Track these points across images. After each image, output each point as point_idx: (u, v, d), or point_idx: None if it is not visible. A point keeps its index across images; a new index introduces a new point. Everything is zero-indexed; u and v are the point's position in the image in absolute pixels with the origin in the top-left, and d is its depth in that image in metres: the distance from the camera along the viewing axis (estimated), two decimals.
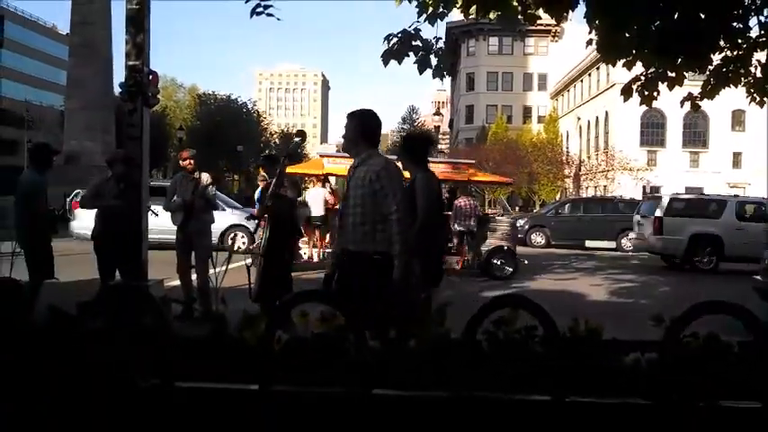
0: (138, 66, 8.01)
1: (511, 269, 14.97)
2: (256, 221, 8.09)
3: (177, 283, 8.69)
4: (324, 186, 16.52)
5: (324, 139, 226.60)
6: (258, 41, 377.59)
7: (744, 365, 1.94)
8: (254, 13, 4.83)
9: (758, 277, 11.49)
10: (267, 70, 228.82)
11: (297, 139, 10.10)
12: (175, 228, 8.67)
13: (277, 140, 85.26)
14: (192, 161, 8.79)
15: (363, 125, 4.72)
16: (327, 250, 15.15)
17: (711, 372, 1.92)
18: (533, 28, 60.09)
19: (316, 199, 15.85)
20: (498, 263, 14.98)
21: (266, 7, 4.65)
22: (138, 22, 8.09)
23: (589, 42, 7.98)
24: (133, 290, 2.88)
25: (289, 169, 18.75)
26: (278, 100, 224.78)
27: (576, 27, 7.86)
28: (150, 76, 8.13)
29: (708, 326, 2.19)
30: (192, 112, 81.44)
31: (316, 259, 15.39)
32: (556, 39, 66.55)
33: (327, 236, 15.61)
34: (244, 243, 17.38)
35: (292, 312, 2.03)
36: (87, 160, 31.70)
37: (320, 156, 18.09)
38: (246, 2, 4.71)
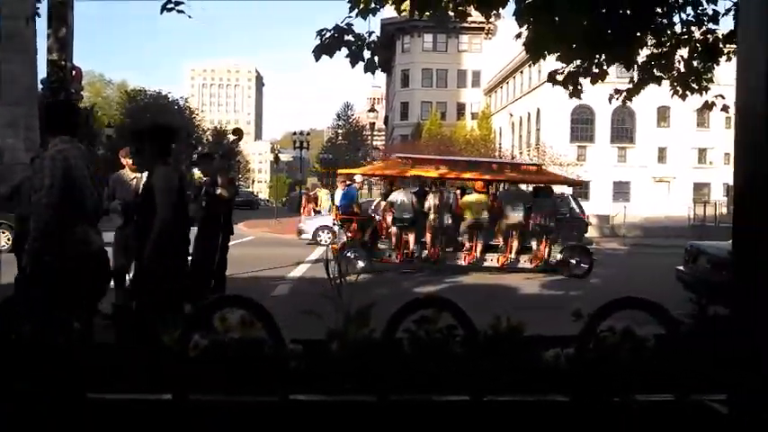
0: (61, 61, 7.72)
1: (586, 266, 14.99)
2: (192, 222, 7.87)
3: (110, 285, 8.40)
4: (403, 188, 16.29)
5: (258, 135, 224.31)
6: (190, 37, 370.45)
7: (658, 359, 1.96)
8: (164, 9, 4.66)
9: (681, 267, 11.89)
10: (200, 66, 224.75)
11: (233, 138, 9.92)
12: None
13: (210, 137, 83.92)
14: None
15: (48, 113, 4.57)
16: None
17: (626, 365, 1.94)
18: (467, 25, 60.75)
19: (404, 201, 15.63)
20: (574, 261, 15.04)
21: (177, 3, 4.49)
22: (61, 17, 7.80)
23: (518, 35, 8.08)
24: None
25: (373, 172, 18.72)
26: (211, 96, 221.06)
27: (509, 24, 7.95)
28: (73, 72, 7.86)
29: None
30: (121, 108, 79.22)
31: (396, 261, 15.17)
32: (489, 36, 67.39)
33: (411, 237, 15.54)
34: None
35: (214, 317, 1.95)
36: (10, 157, 30.57)
37: (398, 158, 18.06)
38: None
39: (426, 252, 15.15)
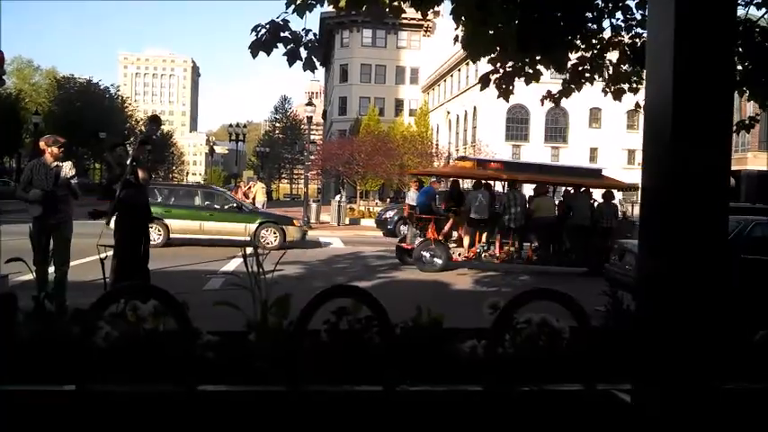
0: None
1: None
2: (108, 213, 7.67)
3: (31, 277, 8.14)
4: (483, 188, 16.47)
5: (194, 127, 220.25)
6: (123, 24, 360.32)
7: (571, 350, 2.03)
8: None
9: (608, 265, 12.31)
10: (133, 54, 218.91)
11: (151, 125, 9.72)
12: None
13: (143, 128, 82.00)
14: (60, 149, 8.31)
15: None
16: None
17: (538, 356, 2.00)
18: (406, 22, 61.16)
19: (482, 201, 15.79)
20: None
21: None
22: None
23: (456, 39, 8.17)
24: None
25: (444, 172, 18.47)
26: (145, 85, 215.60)
27: (448, 23, 8.05)
28: None
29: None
30: (50, 96, 76.62)
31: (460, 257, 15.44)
32: (428, 34, 67.86)
33: (483, 236, 15.76)
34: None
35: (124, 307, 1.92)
36: None
37: (470, 159, 18.34)
38: None
39: (491, 251, 15.53)
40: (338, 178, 48.86)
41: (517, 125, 54.54)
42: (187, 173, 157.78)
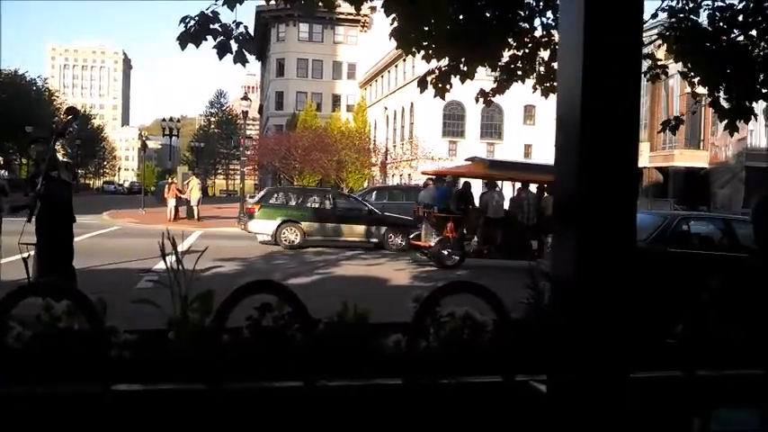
0: None
1: None
2: (30, 210, 7.43)
3: None
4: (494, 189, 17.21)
5: (125, 121, 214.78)
6: (52, 14, 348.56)
7: (492, 342, 2.08)
8: None
9: (542, 260, 12.59)
10: (62, 46, 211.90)
11: (68, 117, 9.42)
12: None
13: (75, 123, 79.49)
14: None
15: None
16: None
17: (458, 349, 2.04)
18: (343, 17, 61.07)
19: (498, 201, 16.44)
20: None
21: None
22: None
23: (391, 34, 8.21)
24: None
25: (458, 172, 18.38)
26: (74, 78, 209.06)
27: (384, 18, 8.06)
28: None
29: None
30: None
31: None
32: (365, 29, 67.87)
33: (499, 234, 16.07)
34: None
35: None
36: None
37: (482, 160, 19.80)
38: None
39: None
40: (275, 174, 48.49)
41: (453, 121, 55.11)
42: (119, 168, 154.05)
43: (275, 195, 21.40)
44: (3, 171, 9.53)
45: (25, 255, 7.07)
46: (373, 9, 8.00)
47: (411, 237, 17.41)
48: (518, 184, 18.04)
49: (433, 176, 19.13)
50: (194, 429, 1.83)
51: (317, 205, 20.08)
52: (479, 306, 2.18)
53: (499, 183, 18.07)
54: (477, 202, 17.29)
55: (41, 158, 7.78)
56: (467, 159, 21.65)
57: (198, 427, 1.83)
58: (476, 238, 16.23)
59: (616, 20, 1.86)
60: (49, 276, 7.37)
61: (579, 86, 1.80)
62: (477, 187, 18.62)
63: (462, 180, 18.63)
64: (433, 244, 15.90)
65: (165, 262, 2.13)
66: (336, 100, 70.99)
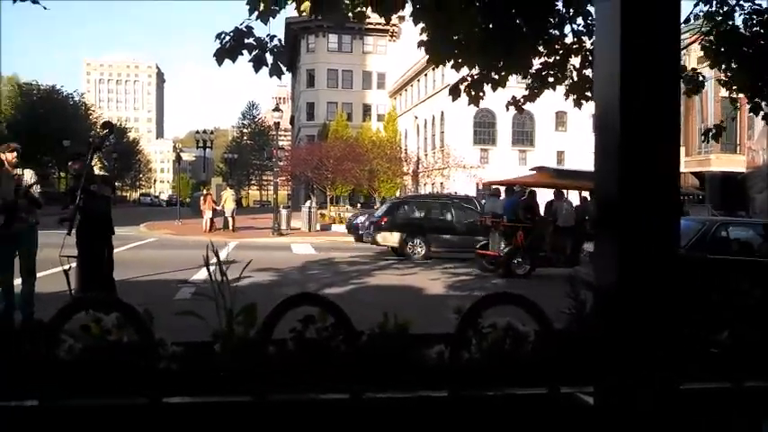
0: None
1: None
2: (68, 223, 7.57)
3: None
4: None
5: (160, 133, 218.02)
6: (87, 30, 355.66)
7: (535, 353, 2.06)
8: None
9: (579, 268, 12.46)
10: (96, 60, 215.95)
11: (104, 132, 9.58)
12: None
13: (111, 137, 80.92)
14: (17, 154, 8.16)
15: None
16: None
17: (502, 360, 2.02)
18: (371, 27, 61.26)
19: (568, 210, 16.66)
20: None
21: None
22: None
23: (421, 44, 8.22)
24: None
25: (526, 182, 18.73)
26: (109, 92, 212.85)
27: (413, 28, 8.08)
28: None
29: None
30: (11, 103, 75.27)
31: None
32: (394, 38, 68.00)
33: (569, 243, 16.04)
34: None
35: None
36: None
37: (549, 170, 19.89)
38: None
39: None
40: (308, 184, 48.71)
41: (484, 129, 54.87)
42: (155, 180, 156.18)
43: (401, 208, 21.77)
44: (37, 185, 9.77)
45: (66, 267, 7.21)
46: (401, 19, 8.02)
47: (477, 246, 17.39)
48: (585, 193, 17.96)
49: (499, 186, 19.22)
50: None
51: (440, 217, 20.45)
52: (521, 317, 2.17)
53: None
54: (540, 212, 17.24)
55: (80, 173, 7.93)
56: (531, 169, 21.71)
57: None
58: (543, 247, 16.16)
59: (653, 22, 1.84)
60: (89, 288, 7.52)
61: (617, 91, 1.78)
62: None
63: (521, 189, 18.60)
64: (500, 253, 15.89)
65: (210, 274, 2.15)
66: (367, 109, 71.15)
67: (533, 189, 18.19)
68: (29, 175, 8.23)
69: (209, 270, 2.17)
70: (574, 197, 18.51)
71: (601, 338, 1.89)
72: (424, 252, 19.38)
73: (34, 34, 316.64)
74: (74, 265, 7.51)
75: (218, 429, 1.81)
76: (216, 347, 1.94)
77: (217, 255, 2.20)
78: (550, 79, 8.95)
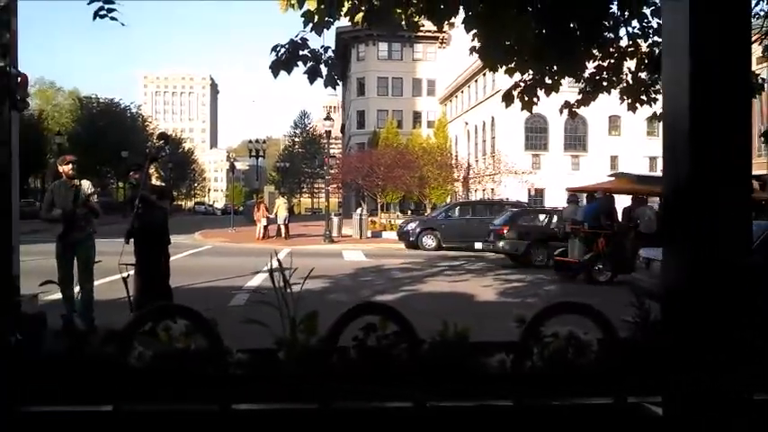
0: (5, 67, 7.54)
1: None
2: (127, 232, 7.74)
3: (59, 296, 8.27)
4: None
5: (214, 143, 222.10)
6: (143, 43, 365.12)
7: (601, 363, 2.02)
8: (96, 15, 4.58)
9: (635, 275, 12.20)
10: (153, 73, 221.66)
11: (160, 143, 9.79)
12: None
13: (167, 148, 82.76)
14: (73, 166, 8.43)
15: None
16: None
17: (566, 369, 1.99)
18: (421, 34, 61.19)
19: (650, 216, 16.41)
20: None
21: (110, 10, 4.42)
22: (3, 21, 7.63)
23: (473, 50, 8.20)
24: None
25: (604, 188, 19.05)
26: (165, 104, 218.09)
27: (463, 34, 8.02)
28: (18, 78, 7.69)
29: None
30: (72, 116, 77.75)
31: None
32: (443, 45, 67.95)
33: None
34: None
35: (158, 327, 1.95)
36: None
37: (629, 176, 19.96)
38: (89, 3, 4.45)
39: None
40: (358, 191, 48.97)
41: (536, 134, 54.32)
42: (209, 189, 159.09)
43: (523, 217, 21.98)
44: (94, 195, 10.07)
45: (125, 275, 7.40)
46: (451, 25, 8.02)
47: (556, 253, 17.25)
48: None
49: (578, 192, 19.05)
50: None
51: (550, 225, 20.54)
52: (583, 325, 2.13)
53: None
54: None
55: (138, 183, 8.13)
56: (610, 175, 21.44)
57: None
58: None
59: (723, 22, 1.79)
60: (146, 295, 7.69)
61: (686, 93, 1.74)
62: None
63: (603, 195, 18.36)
64: (581, 260, 15.76)
65: (273, 281, 2.17)
66: (417, 117, 71.25)
67: (612, 195, 17.92)
68: (87, 186, 8.49)
69: (272, 278, 2.19)
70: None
71: (669, 347, 1.84)
72: (545, 261, 19.15)
73: (93, 50, 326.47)
74: (132, 272, 7.69)
75: None
76: (280, 355, 1.96)
77: (280, 263, 2.22)
78: (605, 83, 8.81)
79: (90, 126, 71.52)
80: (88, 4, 4.31)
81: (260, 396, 1.85)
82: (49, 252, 8.53)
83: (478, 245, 25.31)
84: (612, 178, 20.49)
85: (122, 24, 4.37)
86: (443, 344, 2.01)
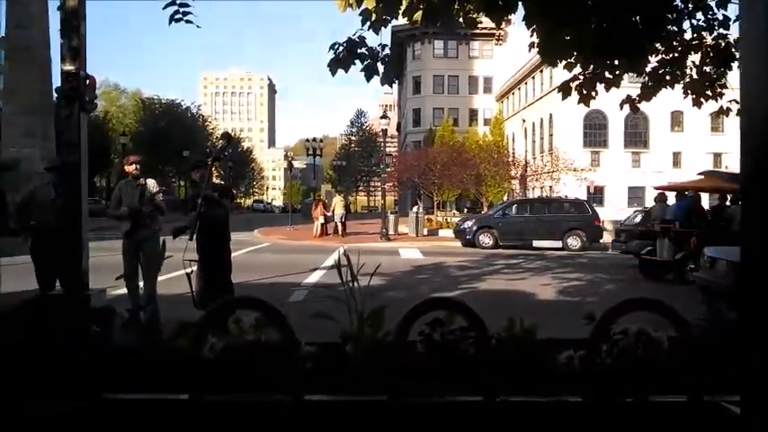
0: (74, 70, 7.80)
1: None
2: (191, 229, 7.90)
3: (124, 291, 8.53)
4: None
5: (272, 143, 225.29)
6: (203, 45, 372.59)
7: (672, 360, 1.98)
8: (172, 19, 4.70)
9: (699, 274, 11.89)
10: (212, 74, 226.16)
11: (222, 142, 9.97)
12: None
13: (218, 145, 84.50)
14: (137, 166, 8.67)
15: None
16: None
17: (640, 367, 1.96)
18: (478, 31, 60.89)
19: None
20: None
21: (185, 14, 4.53)
22: (73, 26, 7.89)
23: (531, 46, 8.11)
24: (56, 299, 2.78)
25: (693, 186, 19.18)
26: (224, 104, 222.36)
27: (520, 30, 7.91)
28: (87, 81, 7.94)
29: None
30: (135, 117, 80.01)
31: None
32: (500, 42, 67.37)
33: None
34: None
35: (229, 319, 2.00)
36: (27, 167, 30.66)
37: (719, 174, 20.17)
38: (165, 8, 4.58)
39: None
40: (414, 189, 48.95)
41: (595, 131, 53.35)
42: (267, 188, 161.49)
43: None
44: (159, 194, 10.32)
45: (188, 270, 7.59)
46: (508, 22, 7.95)
47: (643, 252, 16.94)
48: None
49: (665, 191, 18.66)
50: None
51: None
52: (653, 322, 2.10)
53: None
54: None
55: (201, 181, 8.31)
56: (699, 173, 20.83)
57: None
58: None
59: None
60: (209, 290, 7.85)
61: (766, 88, 1.69)
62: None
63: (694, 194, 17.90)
64: (671, 259, 15.45)
65: (341, 276, 2.21)
66: (473, 114, 70.86)
67: (699, 194, 17.48)
68: (152, 185, 8.73)
69: (340, 274, 2.22)
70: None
71: (747, 345, 1.79)
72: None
73: (156, 52, 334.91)
74: (194, 268, 7.88)
75: (355, 427, 1.85)
76: (347, 348, 1.99)
77: (348, 259, 2.25)
78: (667, 77, 8.59)
79: (152, 126, 73.48)
80: (164, 8, 4.43)
81: (329, 388, 1.88)
82: (112, 248, 8.81)
83: (536, 243, 25.03)
84: (702, 177, 19.84)
85: (198, 27, 4.48)
86: (513, 339, 2.00)
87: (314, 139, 45.62)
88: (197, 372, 1.83)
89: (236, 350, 1.89)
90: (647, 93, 8.81)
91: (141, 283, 8.52)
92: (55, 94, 9.72)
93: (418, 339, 2.00)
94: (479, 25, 7.76)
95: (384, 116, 34.08)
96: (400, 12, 7.11)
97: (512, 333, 2.04)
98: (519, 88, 63.69)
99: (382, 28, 6.94)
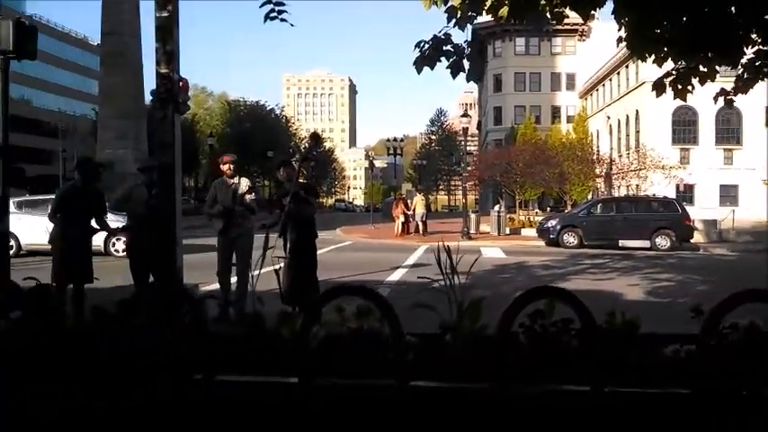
0: (169, 73, 8.11)
1: None
2: (282, 227, 8.10)
3: (215, 286, 8.84)
4: None
5: (353, 143, 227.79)
6: (286, 47, 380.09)
7: None
8: (267, 18, 4.85)
9: None
10: (295, 76, 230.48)
11: (311, 143, 10.18)
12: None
13: (306, 145, 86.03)
14: (231, 166, 8.99)
15: None
16: None
17: (752, 361, 1.91)
18: (560, 28, 59.76)
19: None
20: None
21: (280, 12, 4.67)
22: (168, 31, 8.20)
23: (620, 40, 7.93)
24: (172, 289, 2.94)
25: None
26: (306, 105, 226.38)
27: (604, 26, 7.75)
28: (180, 83, 8.24)
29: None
30: (222, 119, 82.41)
31: None
32: (583, 38, 66.01)
33: None
34: None
35: (328, 307, 2.08)
36: (121, 168, 32.07)
37: None
38: (261, 6, 4.73)
39: None
40: (496, 188, 48.54)
41: (684, 127, 51.51)
42: (348, 187, 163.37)
43: None
44: (251, 193, 10.68)
45: (277, 267, 7.80)
46: (592, 17, 7.79)
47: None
48: None
49: None
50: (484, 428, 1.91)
51: None
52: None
53: None
54: None
55: (287, 180, 8.53)
56: None
57: (487, 426, 1.90)
58: None
59: None
60: (296, 286, 8.04)
61: None
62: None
63: None
64: None
65: (442, 271, 2.26)
66: (556, 111, 69.73)
67: None
68: (244, 184, 9.01)
69: (441, 268, 2.27)
70: None
71: None
72: None
73: (240, 54, 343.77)
74: (282, 264, 8.08)
75: (461, 413, 1.89)
76: (447, 338, 2.03)
77: (449, 256, 2.30)
78: (765, 69, 8.24)
79: (238, 128, 75.54)
80: (260, 6, 4.58)
81: (430, 375, 1.93)
82: (203, 246, 9.14)
83: (623, 242, 24.36)
84: None
85: (291, 25, 4.61)
86: (616, 332, 2.00)
87: (394, 139, 45.89)
88: (305, 357, 1.91)
89: (341, 338, 1.96)
90: (744, 86, 8.47)
91: (233, 279, 8.81)
92: (149, 97, 10.14)
93: (519, 331, 2.03)
94: (564, 21, 7.65)
95: (465, 114, 33.87)
96: (485, 8, 7.10)
97: (612, 326, 2.03)
98: (603, 84, 62.22)
99: (468, 24, 6.95)
